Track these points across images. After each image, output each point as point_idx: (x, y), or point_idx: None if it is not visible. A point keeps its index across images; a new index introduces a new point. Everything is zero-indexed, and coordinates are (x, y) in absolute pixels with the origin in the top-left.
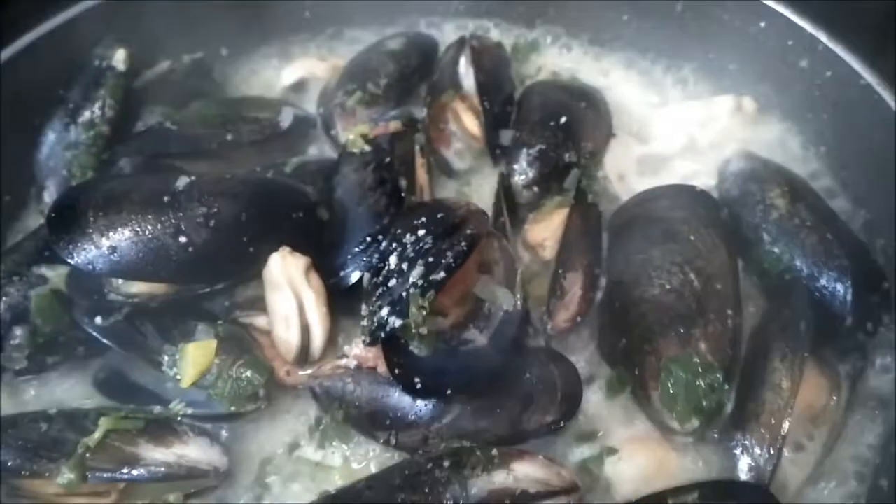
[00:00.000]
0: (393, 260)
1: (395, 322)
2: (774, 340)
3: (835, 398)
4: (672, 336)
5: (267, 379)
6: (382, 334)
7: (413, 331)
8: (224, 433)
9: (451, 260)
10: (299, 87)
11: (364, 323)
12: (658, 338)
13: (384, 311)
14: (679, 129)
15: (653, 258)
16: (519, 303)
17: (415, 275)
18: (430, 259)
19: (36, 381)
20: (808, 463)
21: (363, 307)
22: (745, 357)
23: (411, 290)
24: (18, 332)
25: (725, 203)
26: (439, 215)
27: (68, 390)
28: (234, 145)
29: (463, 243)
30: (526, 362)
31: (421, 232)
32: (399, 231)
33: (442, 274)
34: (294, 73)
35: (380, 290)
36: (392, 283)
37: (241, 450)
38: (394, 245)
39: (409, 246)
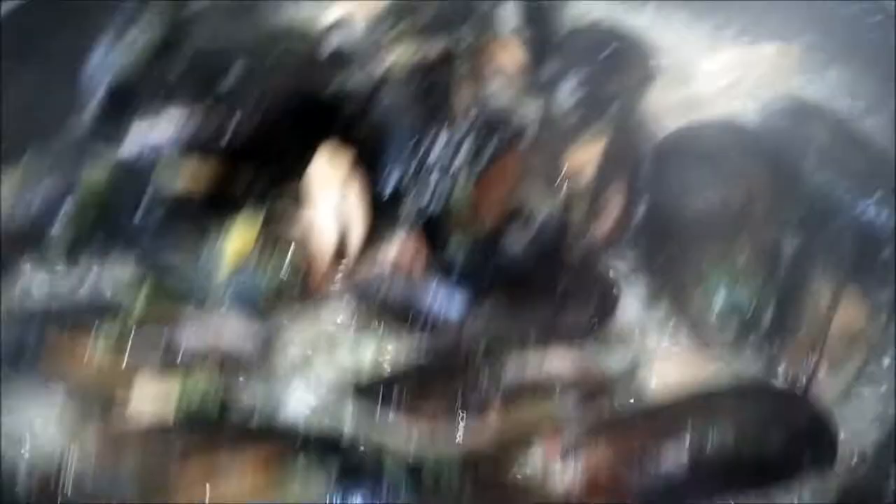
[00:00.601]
0: (434, 155)
1: (437, 208)
2: (816, 261)
3: (873, 323)
4: (713, 247)
5: (303, 275)
6: (423, 220)
7: (454, 220)
8: (258, 325)
9: (494, 149)
10: (340, 24)
11: (405, 212)
12: (699, 248)
13: (426, 199)
14: (721, 74)
15: (694, 179)
16: (558, 210)
17: (456, 164)
18: (473, 149)
19: (72, 276)
20: (842, 382)
21: (404, 201)
22: (785, 275)
23: (452, 178)
24: (56, 228)
25: (767, 137)
26: (481, 115)
27: (105, 285)
28: (273, 72)
29: (506, 135)
30: (563, 268)
31: (463, 129)
32: (440, 133)
33: (485, 161)
34: (335, 12)
35: (421, 182)
36: (433, 174)
37: (274, 342)
38: (435, 145)
39: (451, 141)
